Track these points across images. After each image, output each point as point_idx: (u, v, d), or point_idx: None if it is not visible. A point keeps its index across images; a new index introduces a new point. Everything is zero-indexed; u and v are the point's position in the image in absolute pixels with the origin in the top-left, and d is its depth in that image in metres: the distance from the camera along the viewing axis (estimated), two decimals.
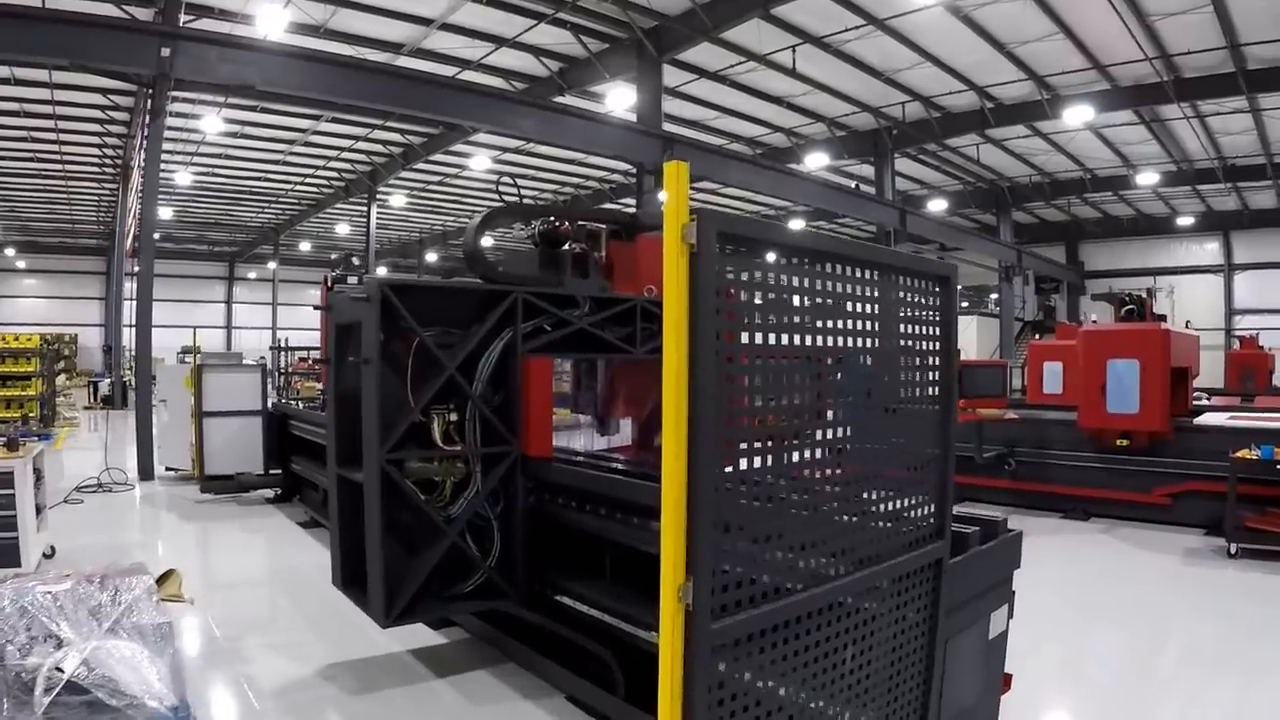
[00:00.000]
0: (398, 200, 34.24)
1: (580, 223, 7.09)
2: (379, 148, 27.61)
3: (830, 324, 3.18)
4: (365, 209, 32.76)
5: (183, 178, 29.37)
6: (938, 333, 3.83)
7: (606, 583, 5.98)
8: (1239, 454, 10.56)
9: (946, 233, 30.50)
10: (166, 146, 24.73)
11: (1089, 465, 12.94)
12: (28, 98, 21.82)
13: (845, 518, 3.28)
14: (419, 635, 6.93)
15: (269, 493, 13.86)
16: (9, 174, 30.70)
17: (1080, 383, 12.96)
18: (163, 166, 26.62)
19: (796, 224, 35.64)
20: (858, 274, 3.26)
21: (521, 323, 6.19)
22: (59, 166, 29.25)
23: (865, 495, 3.40)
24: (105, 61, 14.61)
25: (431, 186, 32.87)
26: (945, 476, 3.89)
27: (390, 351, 5.71)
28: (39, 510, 9.15)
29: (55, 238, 44.43)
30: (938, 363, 3.83)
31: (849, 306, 3.23)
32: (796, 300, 3.06)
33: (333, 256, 35.89)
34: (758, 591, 2.85)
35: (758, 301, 2.91)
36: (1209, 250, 36.90)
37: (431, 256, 45.96)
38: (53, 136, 25.26)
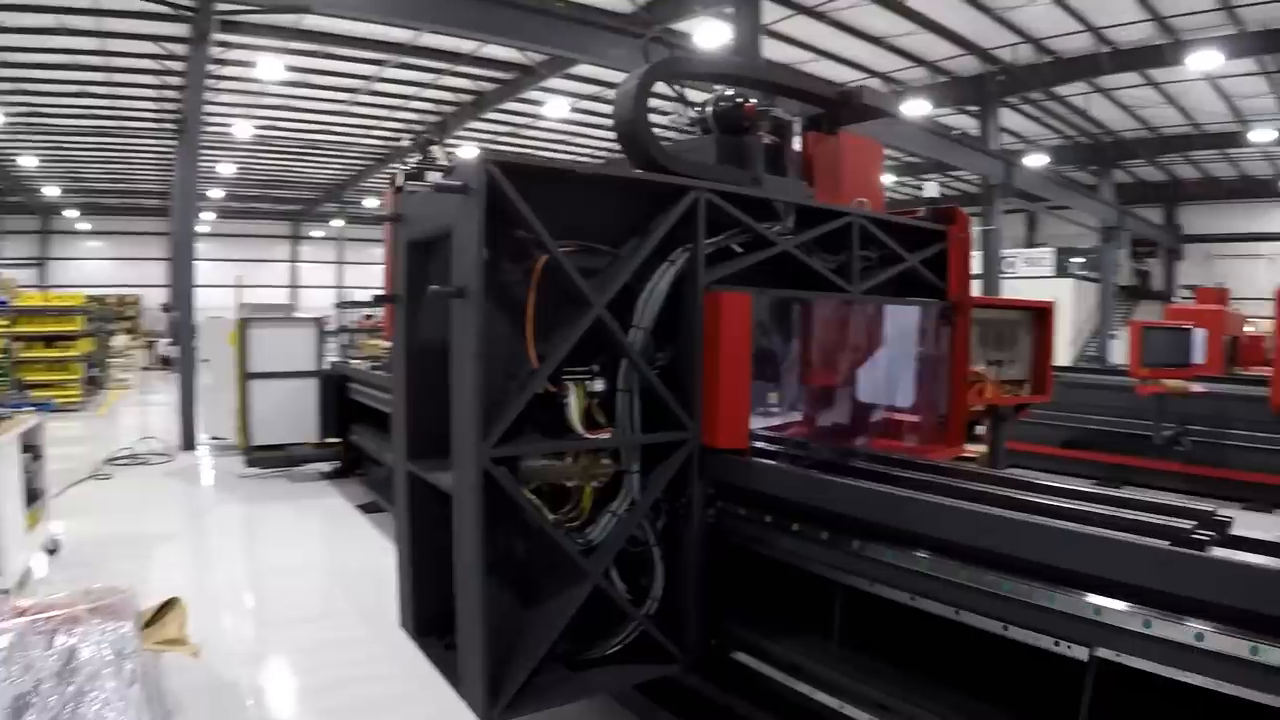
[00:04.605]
0: (467, 154, 32.28)
1: (762, 108, 4.80)
2: (447, 95, 25.69)
3: None
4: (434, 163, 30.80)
5: (243, 131, 27.52)
6: None
7: (834, 646, 3.74)
8: None
9: (1052, 189, 28.14)
10: (225, 98, 23.54)
11: (1278, 449, 11.29)
12: (78, 48, 20.04)
13: None
14: None
15: (325, 466, 12.03)
16: (66, 132, 29.07)
17: (1275, 353, 11.67)
18: (221, 118, 25.32)
19: (886, 179, 33.55)
20: None
21: (704, 238, 3.97)
22: (115, 123, 27.60)
23: None
24: None
25: (502, 138, 30.79)
26: None
27: (498, 280, 3.51)
28: (34, 498, 7.19)
29: (116, 198, 42.98)
30: None
31: None
32: None
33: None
34: None
35: None
36: None
37: None
38: (107, 90, 23.54)
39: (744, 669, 3.97)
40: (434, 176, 6.08)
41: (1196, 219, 36.92)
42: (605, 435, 3.75)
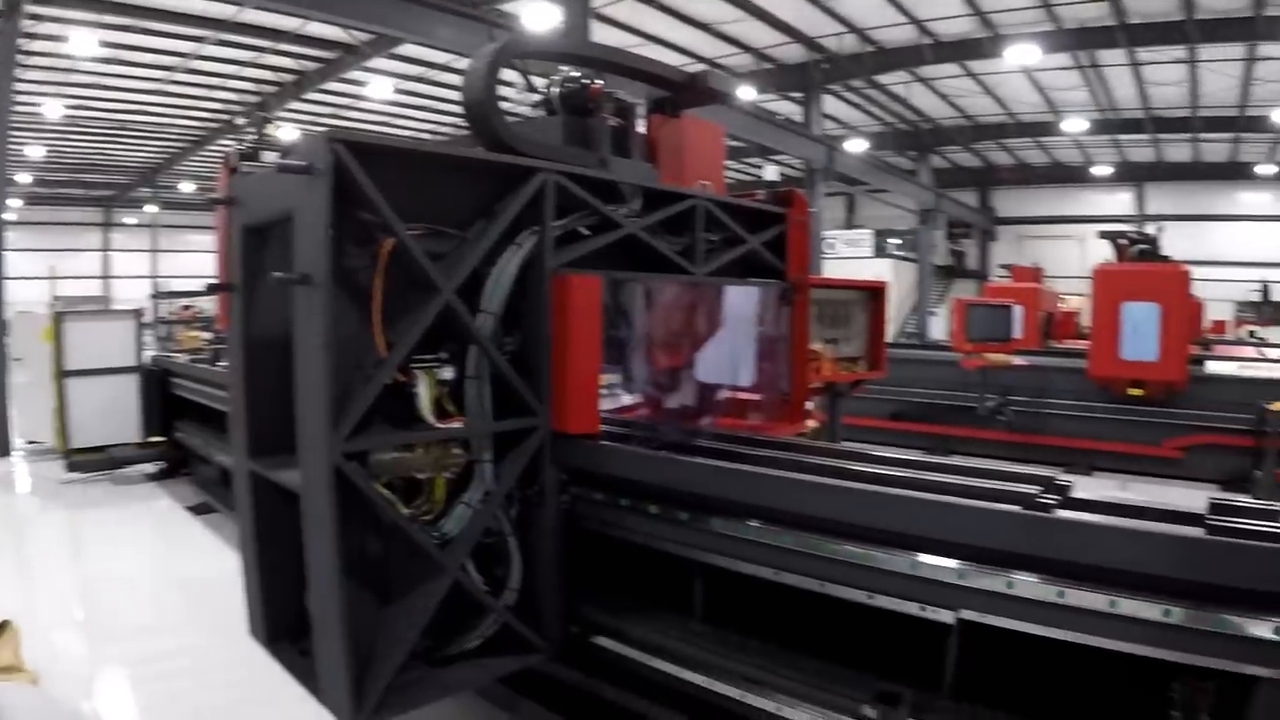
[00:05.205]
0: (288, 136, 31.14)
1: (607, 90, 4.78)
2: (268, 75, 24.77)
3: None
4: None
5: (53, 110, 25.92)
6: None
7: (697, 624, 3.82)
8: (1277, 406, 10.11)
9: (871, 173, 29.15)
10: (34, 75, 22.10)
11: (1094, 416, 12.20)
12: None
13: None
14: None
15: (150, 468, 11.40)
16: None
17: (1093, 327, 12.27)
18: (30, 97, 23.81)
19: None
20: None
21: (553, 219, 3.93)
22: None
23: None
24: None
25: (324, 119, 29.91)
26: None
27: (343, 265, 3.36)
28: None
29: None
30: None
31: None
32: None
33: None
34: None
35: None
36: (1121, 200, 36.00)
37: None
38: None
39: (607, 653, 3.97)
40: (271, 156, 5.86)
41: (1010, 202, 38.83)
42: (456, 424, 3.67)
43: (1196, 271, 12.58)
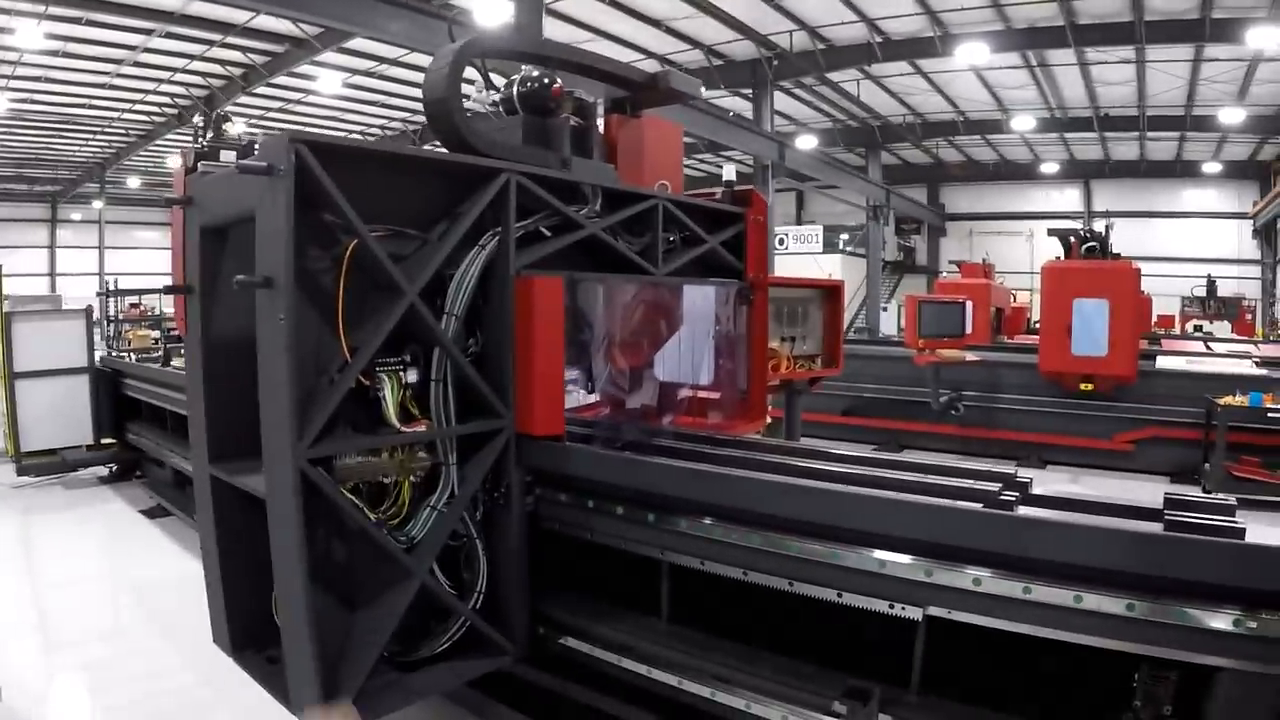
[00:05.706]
0: (236, 130, 30.58)
1: (568, 89, 4.76)
2: (216, 69, 24.44)
3: None
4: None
5: None
6: None
7: (662, 624, 3.84)
8: (1225, 401, 10.12)
9: (822, 169, 29.13)
10: None
11: (1046, 411, 12.29)
12: None
13: None
14: None
15: (102, 470, 11.25)
16: None
17: (1043, 323, 12.34)
18: None
19: None
20: None
21: (515, 221, 3.92)
22: None
23: None
24: None
25: (272, 114, 29.60)
26: None
27: (305, 267, 3.34)
28: None
29: None
30: None
31: None
32: None
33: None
34: None
35: None
36: (1069, 197, 36.76)
37: None
38: None
39: (575, 654, 3.98)
40: (228, 155, 5.78)
41: (959, 198, 39.21)
42: (421, 428, 3.64)
43: (1144, 267, 12.75)
